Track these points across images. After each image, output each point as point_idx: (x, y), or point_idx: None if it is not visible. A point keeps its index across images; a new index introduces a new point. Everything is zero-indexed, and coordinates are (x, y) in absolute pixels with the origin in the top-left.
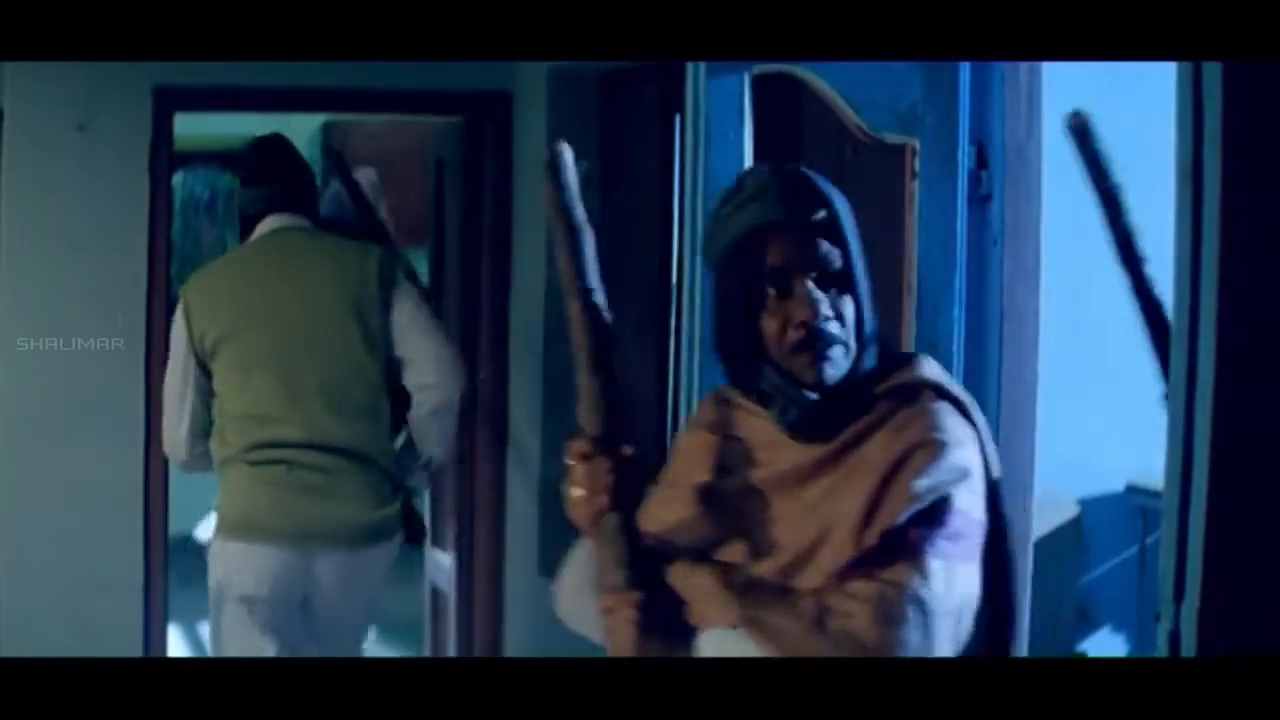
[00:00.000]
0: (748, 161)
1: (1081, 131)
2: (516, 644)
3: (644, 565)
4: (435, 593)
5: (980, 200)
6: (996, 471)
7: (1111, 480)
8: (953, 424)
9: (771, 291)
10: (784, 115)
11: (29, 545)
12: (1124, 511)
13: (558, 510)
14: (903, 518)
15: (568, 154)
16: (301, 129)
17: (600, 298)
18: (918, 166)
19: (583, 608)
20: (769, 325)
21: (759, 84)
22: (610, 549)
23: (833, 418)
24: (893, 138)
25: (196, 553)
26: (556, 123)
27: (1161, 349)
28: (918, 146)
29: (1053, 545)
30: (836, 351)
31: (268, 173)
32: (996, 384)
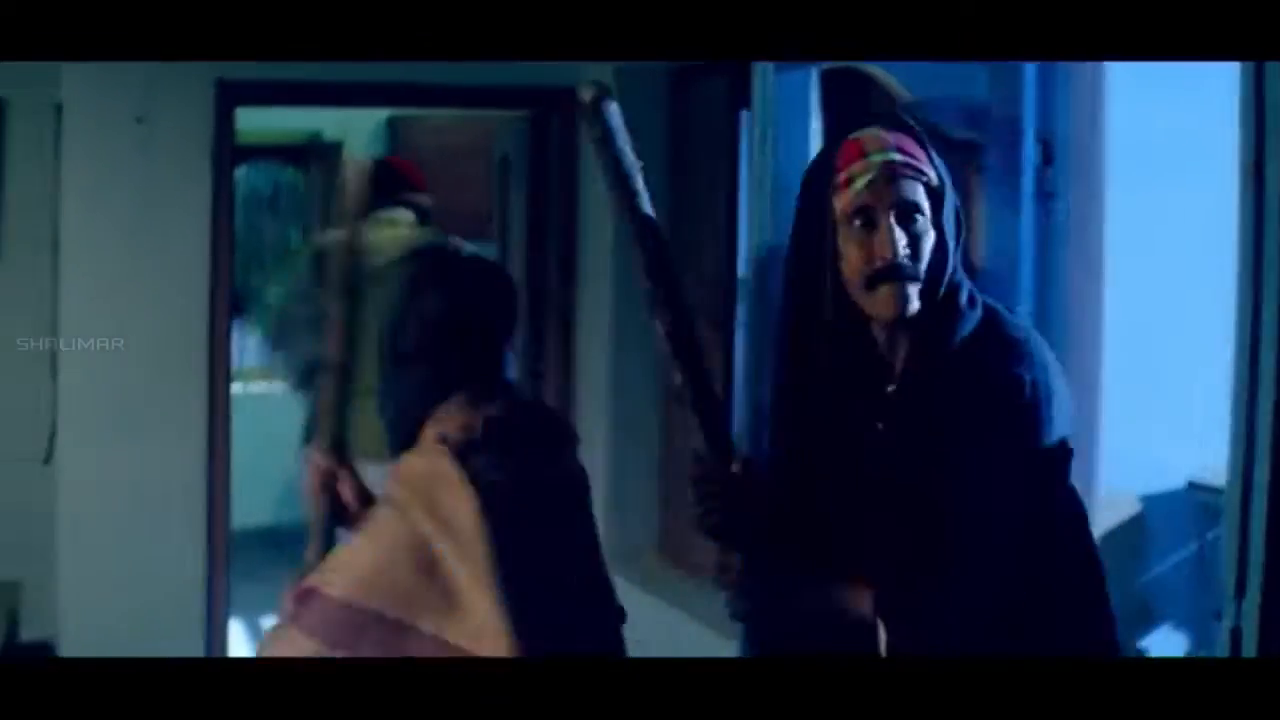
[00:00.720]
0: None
1: (595, 104)
2: None
3: None
4: None
5: (1045, 196)
6: None
7: (1173, 477)
8: None
9: None
10: (852, 111)
11: (93, 542)
12: (1185, 508)
13: (624, 503)
14: None
15: None
16: (365, 124)
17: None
18: (984, 162)
19: None
20: None
21: (827, 79)
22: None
23: None
24: (959, 133)
25: (257, 547)
26: (626, 119)
27: (676, 334)
28: (984, 142)
29: (1115, 542)
30: None
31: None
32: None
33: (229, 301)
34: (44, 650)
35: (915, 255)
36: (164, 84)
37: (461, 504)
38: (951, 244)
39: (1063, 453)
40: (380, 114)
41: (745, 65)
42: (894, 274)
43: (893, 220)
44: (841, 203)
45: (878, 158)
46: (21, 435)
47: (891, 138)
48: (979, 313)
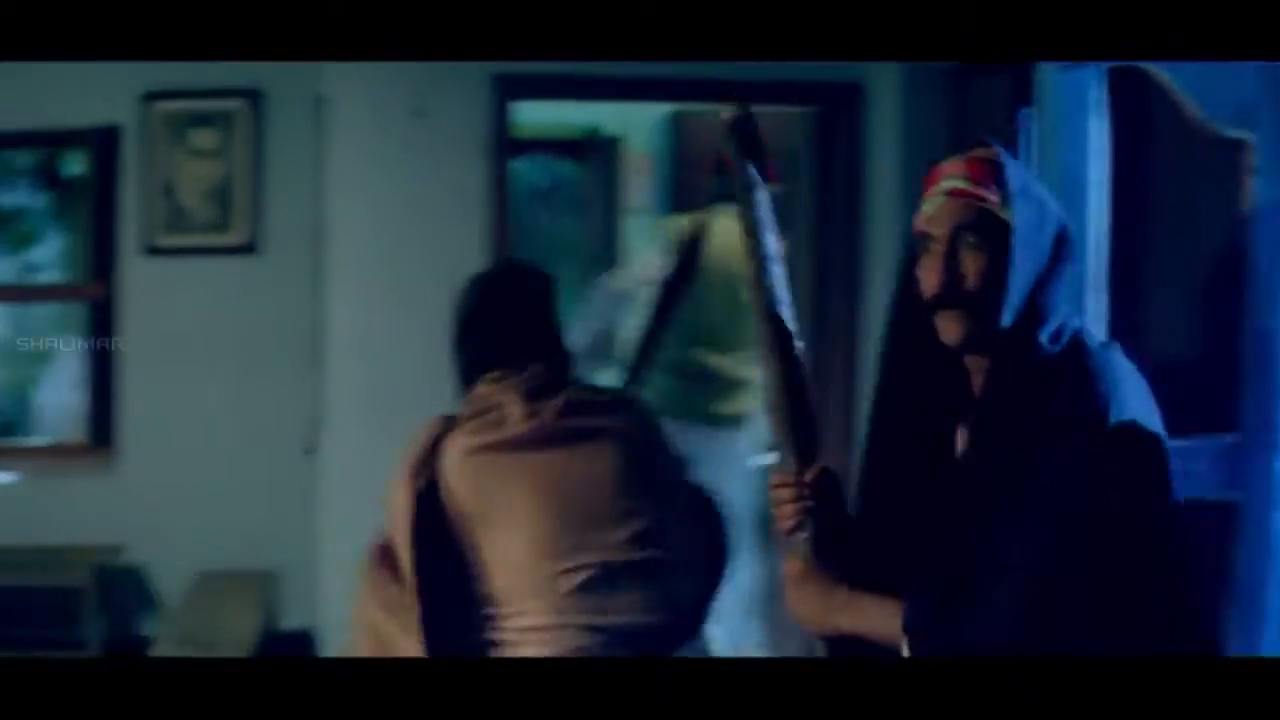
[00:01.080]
0: (1094, 156)
1: (733, 125)
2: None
3: None
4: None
5: None
6: None
7: None
8: None
9: None
10: (1134, 109)
11: (357, 533)
12: None
13: None
14: None
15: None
16: (644, 118)
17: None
18: (1254, 161)
19: None
20: None
21: (1111, 78)
22: None
23: None
24: (1231, 132)
25: None
26: (908, 115)
27: (779, 344)
28: (1254, 141)
29: None
30: None
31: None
32: None
33: None
34: (303, 640)
35: (966, 283)
36: (439, 78)
37: (408, 483)
38: (1017, 273)
39: (1125, 497)
40: (660, 107)
41: (1028, 63)
42: (938, 302)
43: (945, 248)
44: (916, 228)
45: (944, 184)
46: (281, 426)
47: (964, 164)
48: (1059, 348)
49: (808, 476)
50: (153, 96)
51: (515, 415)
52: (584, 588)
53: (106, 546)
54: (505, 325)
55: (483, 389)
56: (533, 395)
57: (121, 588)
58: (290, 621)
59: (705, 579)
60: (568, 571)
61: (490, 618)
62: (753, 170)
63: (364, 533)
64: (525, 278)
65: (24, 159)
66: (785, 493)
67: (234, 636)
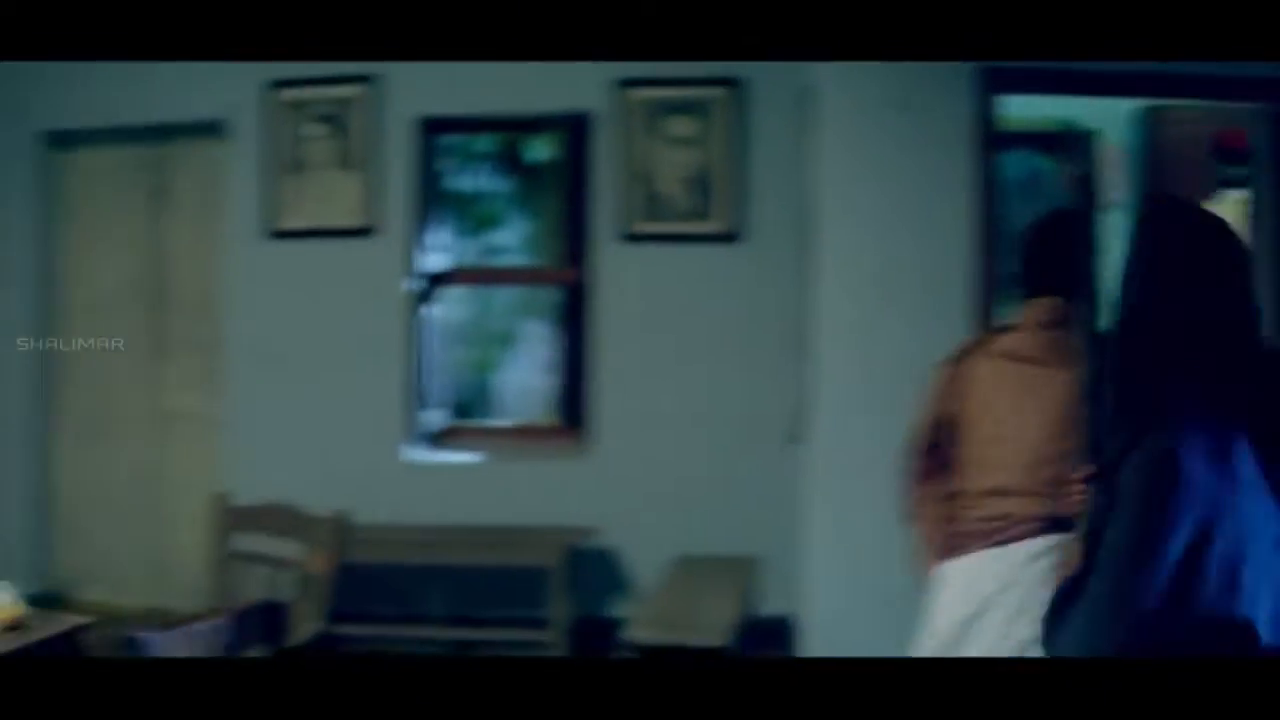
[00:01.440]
0: None
1: (1080, 185)
2: None
3: None
4: None
5: None
6: None
7: None
8: None
9: None
10: None
11: (842, 522)
12: None
13: None
14: None
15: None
16: (1117, 111)
17: None
18: None
19: None
20: None
21: None
22: None
23: None
24: None
25: None
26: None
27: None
28: None
29: None
30: None
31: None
32: None
33: (987, 289)
34: (781, 627)
35: None
36: (924, 71)
37: (945, 364)
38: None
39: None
40: (1133, 101)
41: None
42: None
43: None
44: None
45: None
46: (762, 414)
47: None
48: None
49: (1083, 474)
50: (627, 84)
51: (1024, 334)
52: (1013, 490)
53: (577, 528)
54: (1040, 261)
55: (1022, 309)
56: (1046, 325)
57: (590, 569)
58: (770, 608)
59: None
60: (1008, 473)
61: (960, 495)
62: (1096, 198)
63: (851, 522)
64: (1063, 225)
65: (483, 144)
66: (1069, 487)
67: (713, 620)
